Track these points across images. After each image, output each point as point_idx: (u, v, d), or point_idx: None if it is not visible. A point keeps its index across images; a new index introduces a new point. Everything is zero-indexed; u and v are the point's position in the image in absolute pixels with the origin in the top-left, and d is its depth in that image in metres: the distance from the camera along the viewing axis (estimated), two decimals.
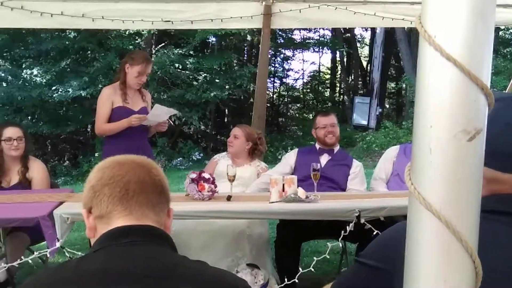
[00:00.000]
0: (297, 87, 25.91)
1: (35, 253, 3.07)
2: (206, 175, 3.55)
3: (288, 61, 24.25)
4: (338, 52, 24.08)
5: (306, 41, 23.62)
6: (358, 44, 25.39)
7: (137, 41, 16.66)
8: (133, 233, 1.24)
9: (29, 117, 16.25)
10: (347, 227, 3.13)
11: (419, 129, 0.84)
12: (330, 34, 23.09)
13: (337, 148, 4.50)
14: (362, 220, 3.15)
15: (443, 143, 0.80)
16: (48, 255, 3.01)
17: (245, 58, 21.97)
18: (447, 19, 0.80)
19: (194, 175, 3.53)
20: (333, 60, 25.91)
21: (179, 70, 16.19)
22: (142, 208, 1.26)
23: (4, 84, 15.67)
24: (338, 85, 26.11)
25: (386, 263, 1.23)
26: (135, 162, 1.33)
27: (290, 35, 22.19)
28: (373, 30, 20.63)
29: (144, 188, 1.28)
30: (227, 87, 17.14)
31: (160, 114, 4.47)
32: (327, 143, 4.41)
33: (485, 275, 0.84)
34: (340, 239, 3.23)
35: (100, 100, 4.46)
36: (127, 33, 15.64)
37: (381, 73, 20.30)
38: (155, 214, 1.28)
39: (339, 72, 25.63)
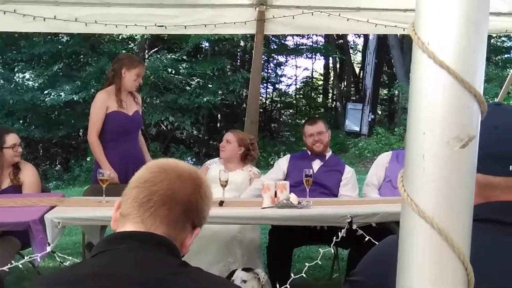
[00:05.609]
0: (290, 92, 25.91)
1: (25, 257, 3.05)
2: None
3: (281, 67, 24.28)
4: (331, 58, 24.11)
5: (299, 47, 23.67)
6: (351, 51, 25.43)
7: (130, 46, 16.65)
8: (131, 239, 1.23)
9: (21, 121, 16.18)
10: (339, 233, 3.13)
11: (412, 136, 0.84)
12: (323, 40, 23.14)
13: (329, 154, 4.50)
14: (354, 226, 3.15)
15: (436, 150, 0.80)
16: (39, 260, 3.00)
17: (238, 63, 21.99)
18: (441, 26, 0.80)
19: None
20: (326, 66, 25.95)
21: (172, 75, 16.16)
22: (155, 220, 1.24)
23: None
24: (330, 91, 26.13)
25: (378, 278, 1.21)
26: (178, 173, 1.29)
27: (283, 41, 22.21)
28: (366, 36, 20.69)
29: (166, 203, 1.25)
30: (220, 92, 17.13)
31: None
32: (315, 151, 4.42)
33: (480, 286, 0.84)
34: (332, 245, 3.23)
35: (94, 106, 4.40)
36: (120, 37, 15.62)
37: (374, 79, 20.34)
38: (168, 228, 1.26)
39: (331, 78, 25.66)
